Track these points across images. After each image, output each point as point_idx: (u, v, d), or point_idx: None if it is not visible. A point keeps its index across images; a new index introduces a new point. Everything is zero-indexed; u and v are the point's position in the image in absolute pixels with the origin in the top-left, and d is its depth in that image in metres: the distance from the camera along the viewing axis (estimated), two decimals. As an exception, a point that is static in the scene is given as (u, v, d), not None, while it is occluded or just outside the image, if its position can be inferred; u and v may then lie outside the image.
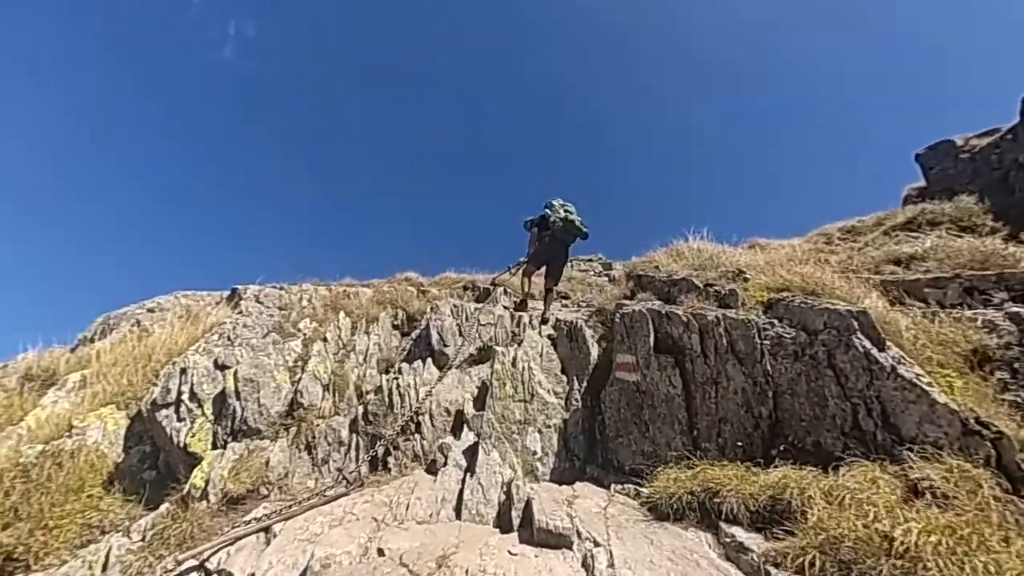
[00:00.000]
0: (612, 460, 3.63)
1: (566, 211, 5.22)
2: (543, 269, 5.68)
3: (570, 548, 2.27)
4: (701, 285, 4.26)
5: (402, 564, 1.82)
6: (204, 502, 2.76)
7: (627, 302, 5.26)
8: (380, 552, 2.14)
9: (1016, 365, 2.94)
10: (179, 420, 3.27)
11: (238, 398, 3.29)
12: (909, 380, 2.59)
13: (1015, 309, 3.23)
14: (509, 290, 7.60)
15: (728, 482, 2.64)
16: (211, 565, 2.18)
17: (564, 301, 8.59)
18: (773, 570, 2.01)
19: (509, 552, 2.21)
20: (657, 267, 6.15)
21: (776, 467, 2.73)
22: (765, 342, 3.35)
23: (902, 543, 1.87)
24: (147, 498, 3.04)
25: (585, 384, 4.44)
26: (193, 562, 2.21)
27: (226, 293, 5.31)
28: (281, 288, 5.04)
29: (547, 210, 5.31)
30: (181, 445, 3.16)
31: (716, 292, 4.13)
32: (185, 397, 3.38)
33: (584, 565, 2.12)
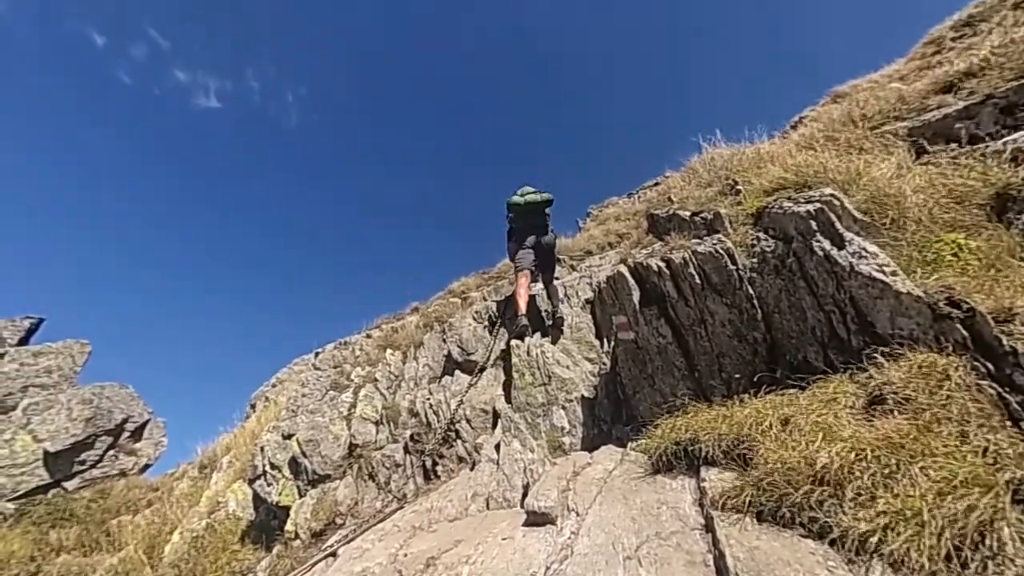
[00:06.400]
0: (636, 417, 3.74)
1: (517, 197, 5.09)
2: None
3: (554, 523, 2.57)
4: (687, 217, 4.03)
5: (396, 570, 2.32)
6: (297, 540, 3.61)
7: (633, 252, 5.18)
8: (406, 556, 2.68)
9: (1046, 197, 2.41)
10: (268, 486, 4.25)
11: (305, 456, 4.13)
12: (868, 275, 2.33)
13: (1047, 124, 2.57)
14: (563, 258, 7.58)
15: (707, 425, 2.65)
16: (294, 589, 2.98)
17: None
18: (716, 513, 2.08)
19: (501, 539, 2.59)
20: (669, 198, 5.79)
21: (767, 394, 2.68)
22: (753, 260, 3.18)
23: (824, 468, 1.83)
24: (267, 545, 4.06)
25: (613, 345, 4.54)
26: (283, 589, 3.04)
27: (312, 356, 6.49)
28: (338, 345, 5.96)
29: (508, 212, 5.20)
30: (275, 503, 4.12)
31: (703, 220, 3.89)
32: (267, 468, 4.36)
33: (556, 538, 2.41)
